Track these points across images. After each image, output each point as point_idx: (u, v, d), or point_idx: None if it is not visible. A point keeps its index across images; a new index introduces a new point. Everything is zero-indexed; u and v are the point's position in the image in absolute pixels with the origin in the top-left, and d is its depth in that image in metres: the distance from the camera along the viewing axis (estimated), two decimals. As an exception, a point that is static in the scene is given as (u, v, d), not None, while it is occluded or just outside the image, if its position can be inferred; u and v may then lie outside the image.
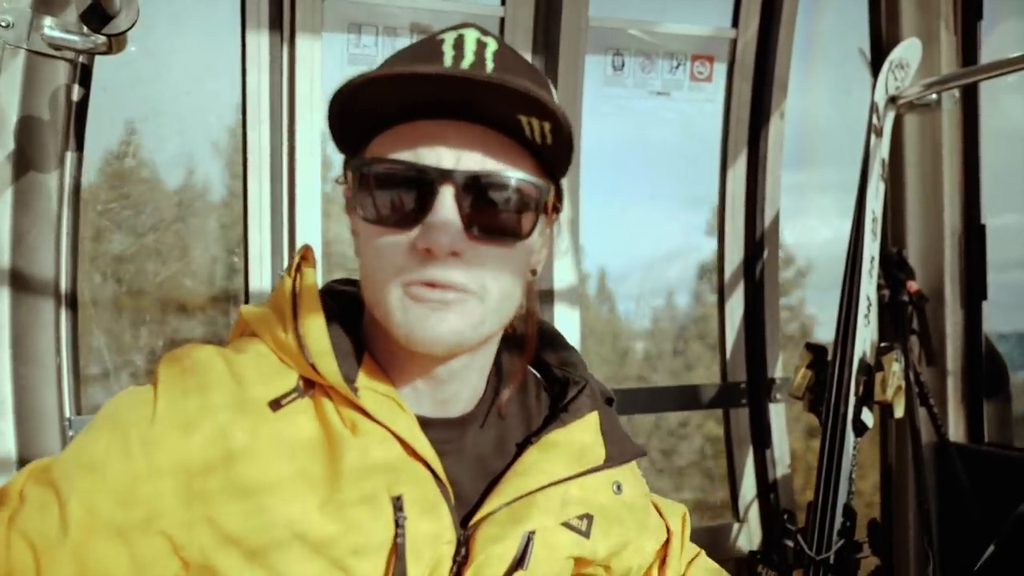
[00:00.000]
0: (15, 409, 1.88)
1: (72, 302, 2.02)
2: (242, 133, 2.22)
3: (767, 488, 2.84)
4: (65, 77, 1.87)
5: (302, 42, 2.20)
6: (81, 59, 1.87)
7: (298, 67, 2.20)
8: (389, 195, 0.83)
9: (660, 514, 1.18)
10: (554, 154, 0.86)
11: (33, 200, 1.90)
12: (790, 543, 2.51)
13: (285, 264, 2.24)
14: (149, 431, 0.81)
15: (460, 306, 0.83)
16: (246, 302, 2.24)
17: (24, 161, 1.86)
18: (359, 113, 0.84)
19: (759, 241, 2.82)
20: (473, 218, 0.83)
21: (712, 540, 2.80)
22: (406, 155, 0.83)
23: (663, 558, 1.16)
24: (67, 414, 1.99)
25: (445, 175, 0.81)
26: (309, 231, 2.25)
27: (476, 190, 0.82)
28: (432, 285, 0.82)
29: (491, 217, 0.83)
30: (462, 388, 0.94)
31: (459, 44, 0.86)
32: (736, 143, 2.79)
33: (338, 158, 0.93)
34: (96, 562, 0.79)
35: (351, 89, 0.79)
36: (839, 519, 2.43)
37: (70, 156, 1.96)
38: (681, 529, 1.19)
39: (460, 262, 0.82)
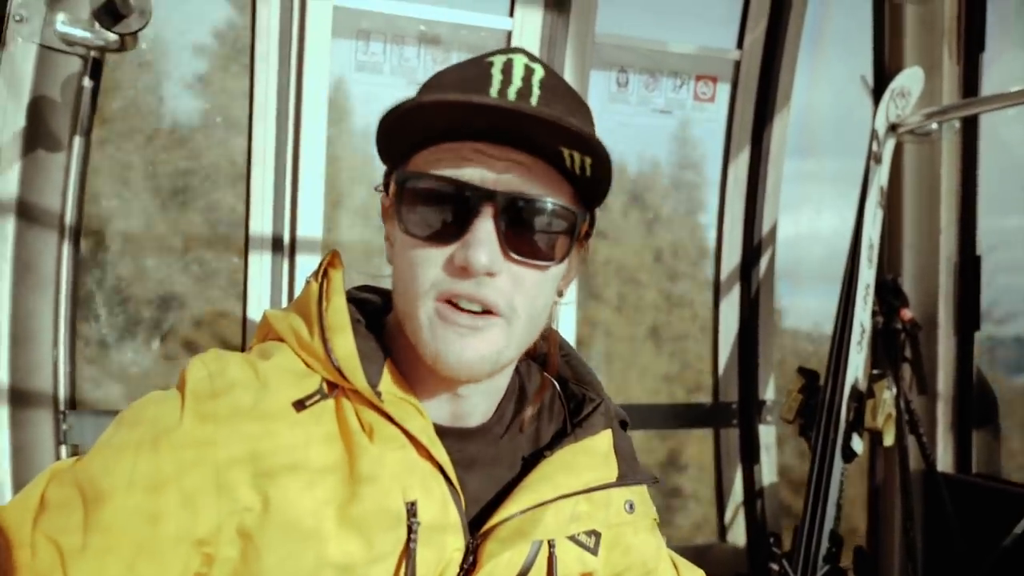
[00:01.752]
0: (10, 401, 1.89)
1: (73, 294, 2.03)
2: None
3: (754, 510, 2.85)
4: (76, 71, 1.88)
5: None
6: (92, 54, 1.89)
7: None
8: (431, 210, 0.85)
9: (677, 573, 1.16)
10: (592, 185, 0.88)
11: (39, 184, 1.91)
12: (775, 567, 2.51)
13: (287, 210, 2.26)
14: (175, 432, 0.82)
15: (489, 331, 0.86)
16: (246, 247, 2.25)
17: (32, 144, 1.87)
18: (405, 133, 0.87)
19: (755, 263, 2.84)
20: (511, 239, 0.85)
21: (697, 560, 2.79)
22: (450, 172, 0.84)
23: None
24: (61, 408, 1.99)
25: (487, 195, 0.83)
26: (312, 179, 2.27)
27: (516, 212, 0.84)
28: (462, 309, 0.85)
29: (528, 240, 0.85)
30: (481, 402, 0.96)
31: (507, 69, 0.88)
32: (736, 164, 2.81)
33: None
34: (119, 560, 0.79)
35: (400, 113, 0.82)
36: (825, 544, 2.44)
37: (78, 140, 1.97)
38: None
39: (494, 282, 0.85)
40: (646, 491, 1.10)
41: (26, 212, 1.88)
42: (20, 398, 1.91)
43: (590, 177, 0.86)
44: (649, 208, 3.06)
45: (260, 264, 2.24)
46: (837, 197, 3.09)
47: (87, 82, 1.92)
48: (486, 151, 0.85)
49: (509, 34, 2.44)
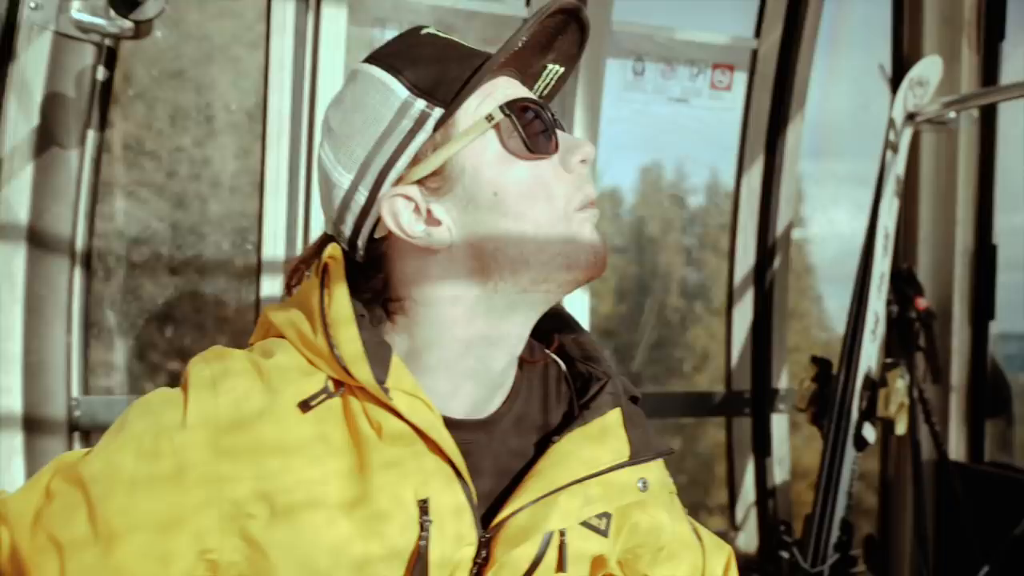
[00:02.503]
0: (23, 389, 1.90)
1: (87, 282, 2.04)
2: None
3: (766, 498, 2.85)
4: (91, 59, 1.88)
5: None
6: (107, 42, 1.89)
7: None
8: (541, 129, 0.90)
9: (701, 546, 1.14)
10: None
11: (53, 177, 1.91)
12: (786, 554, 2.52)
13: (300, 237, 2.25)
14: (178, 434, 0.82)
15: None
16: (258, 272, 2.24)
17: (46, 137, 1.87)
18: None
19: (770, 251, 2.83)
20: None
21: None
22: (516, 94, 0.91)
23: None
24: (74, 394, 2.00)
25: (547, 106, 0.93)
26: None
27: (556, 118, 0.94)
28: (591, 203, 0.93)
29: None
30: (493, 392, 0.95)
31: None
32: (752, 152, 2.80)
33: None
34: (120, 562, 0.79)
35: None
36: (836, 533, 2.44)
37: (92, 135, 1.97)
38: (724, 572, 1.15)
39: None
40: (662, 463, 1.08)
41: (39, 204, 1.88)
42: (33, 385, 1.93)
43: (546, 96, 1.00)
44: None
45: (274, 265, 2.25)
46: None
47: (101, 72, 1.91)
48: (510, 80, 0.93)
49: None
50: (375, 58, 0.92)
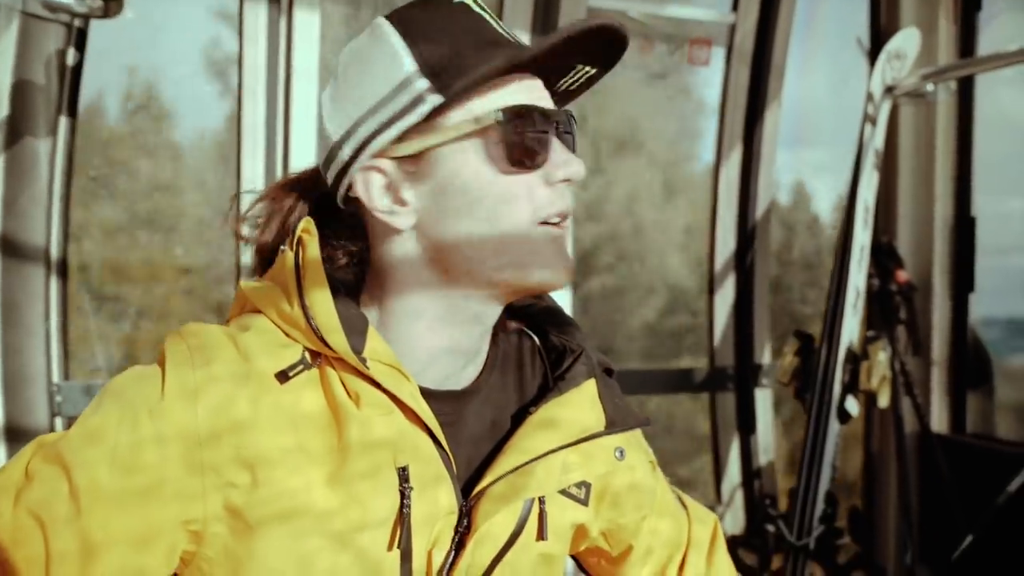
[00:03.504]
0: (2, 374, 1.88)
1: (62, 268, 2.02)
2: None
3: (751, 473, 2.87)
4: (60, 41, 1.85)
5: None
6: (76, 23, 1.86)
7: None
8: (530, 137, 0.87)
9: (687, 514, 1.16)
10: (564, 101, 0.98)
11: (25, 166, 1.89)
12: (771, 528, 2.53)
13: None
14: (157, 405, 0.81)
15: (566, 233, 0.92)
16: (236, 268, 2.23)
17: (16, 126, 1.85)
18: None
19: (752, 229, 2.83)
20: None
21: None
22: (521, 100, 0.87)
23: (680, 566, 1.14)
24: (55, 379, 1.99)
25: (553, 114, 0.88)
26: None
27: (567, 127, 0.91)
28: (557, 224, 0.89)
29: (571, 147, 0.92)
30: (468, 363, 0.95)
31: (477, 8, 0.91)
32: (732, 129, 2.80)
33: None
34: (102, 535, 0.79)
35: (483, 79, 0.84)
36: (820, 506, 2.46)
37: (63, 121, 1.95)
38: (711, 540, 1.17)
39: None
40: (640, 435, 1.09)
41: (10, 192, 1.86)
42: (12, 371, 1.91)
43: (574, 91, 0.96)
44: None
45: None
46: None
47: (72, 55, 1.89)
48: (527, 79, 0.89)
49: (501, 2, 2.41)
50: (397, 18, 0.89)
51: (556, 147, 0.88)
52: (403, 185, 0.88)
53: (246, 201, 0.98)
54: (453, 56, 0.85)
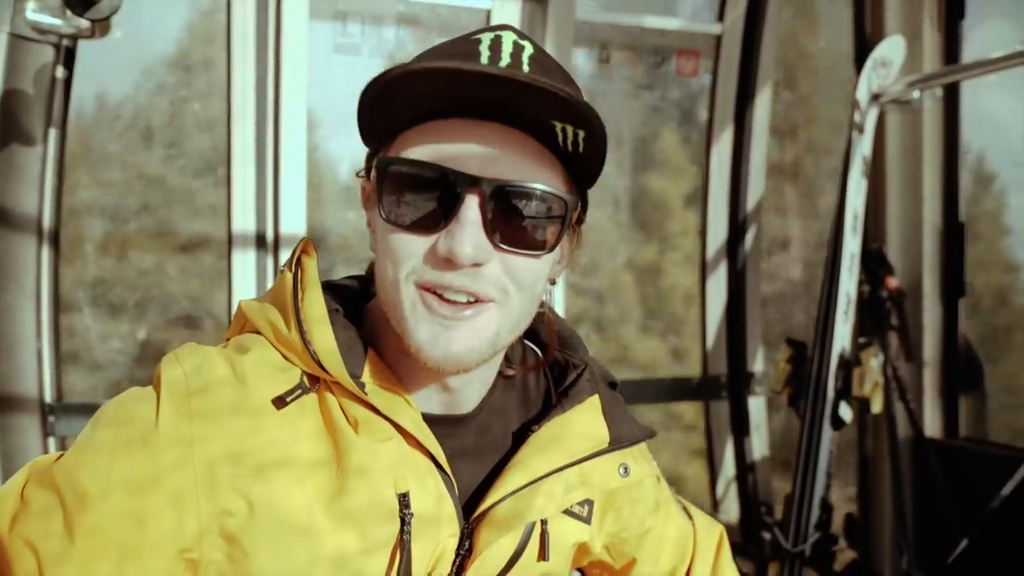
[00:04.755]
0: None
1: (54, 286, 2.02)
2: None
3: (745, 481, 2.87)
4: (49, 59, 1.85)
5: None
6: (65, 42, 1.86)
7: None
8: (414, 197, 0.80)
9: (692, 525, 1.15)
10: (584, 164, 0.84)
11: (15, 177, 1.89)
12: (767, 535, 2.53)
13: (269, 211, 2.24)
14: (151, 434, 0.80)
15: (478, 319, 0.82)
16: (228, 242, 2.23)
17: (6, 138, 1.85)
18: (389, 107, 0.81)
19: (741, 237, 2.84)
20: (498, 227, 0.80)
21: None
22: (434, 156, 0.80)
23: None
24: (47, 400, 1.98)
25: (473, 181, 0.78)
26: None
27: (504, 199, 0.80)
28: (448, 301, 0.80)
29: (516, 228, 0.81)
30: (471, 392, 0.93)
31: (496, 45, 0.83)
32: (720, 137, 2.81)
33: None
34: (107, 565, 0.77)
35: (385, 81, 0.77)
36: (816, 512, 2.46)
37: (53, 132, 1.95)
38: (716, 551, 1.16)
39: (482, 271, 0.80)
40: (644, 446, 1.07)
41: (2, 207, 1.86)
42: (4, 392, 1.90)
43: (583, 154, 0.82)
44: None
45: (244, 262, 2.22)
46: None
47: (60, 72, 1.89)
48: (474, 129, 0.80)
49: (488, 12, 2.42)
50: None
51: (461, 217, 0.79)
52: (373, 207, 0.87)
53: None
54: (397, 93, 0.80)
